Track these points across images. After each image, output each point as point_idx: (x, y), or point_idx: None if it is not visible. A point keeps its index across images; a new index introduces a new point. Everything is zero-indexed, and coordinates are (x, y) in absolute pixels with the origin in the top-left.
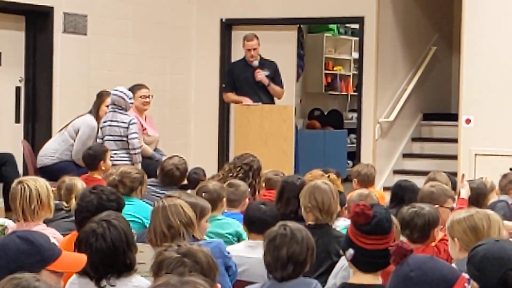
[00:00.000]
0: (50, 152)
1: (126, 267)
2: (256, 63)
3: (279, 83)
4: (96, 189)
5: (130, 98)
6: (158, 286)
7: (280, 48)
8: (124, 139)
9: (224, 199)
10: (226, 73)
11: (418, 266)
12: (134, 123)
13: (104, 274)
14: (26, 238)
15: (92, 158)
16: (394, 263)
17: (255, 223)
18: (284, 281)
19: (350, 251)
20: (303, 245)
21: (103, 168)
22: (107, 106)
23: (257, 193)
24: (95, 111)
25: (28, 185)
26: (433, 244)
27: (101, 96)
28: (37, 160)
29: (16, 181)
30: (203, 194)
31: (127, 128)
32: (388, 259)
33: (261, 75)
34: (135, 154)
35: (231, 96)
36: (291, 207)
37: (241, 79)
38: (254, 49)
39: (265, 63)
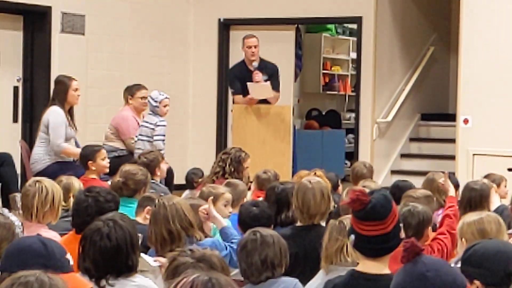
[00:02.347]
0: (38, 156)
1: (127, 268)
2: (255, 64)
3: (275, 86)
4: (90, 191)
5: (155, 102)
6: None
7: (278, 48)
8: (151, 140)
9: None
10: (230, 77)
11: (434, 267)
12: (160, 125)
13: (104, 274)
14: (43, 241)
15: (82, 158)
16: (404, 260)
17: (248, 224)
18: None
19: (352, 237)
20: (275, 248)
21: (93, 168)
22: (75, 90)
23: (243, 179)
24: (63, 99)
25: (45, 187)
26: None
27: (65, 82)
28: (31, 168)
29: (33, 180)
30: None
31: (153, 129)
32: (388, 245)
33: (259, 77)
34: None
35: (240, 99)
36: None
37: (240, 82)
38: (255, 47)
39: (265, 66)
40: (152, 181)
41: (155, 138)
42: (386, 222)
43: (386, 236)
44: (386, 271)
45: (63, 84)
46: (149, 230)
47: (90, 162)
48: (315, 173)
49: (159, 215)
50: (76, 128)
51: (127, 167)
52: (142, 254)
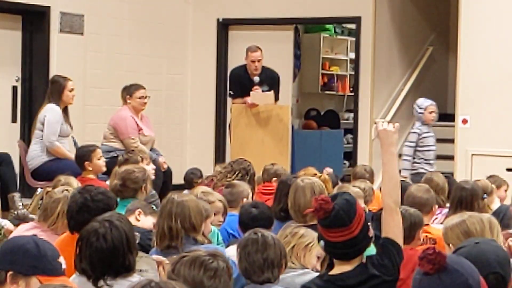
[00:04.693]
0: (35, 154)
1: (125, 269)
2: (257, 79)
3: (275, 95)
4: (86, 190)
5: (420, 108)
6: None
7: (276, 48)
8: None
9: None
10: (231, 80)
11: (460, 265)
12: (411, 131)
13: (101, 274)
14: (37, 242)
15: (78, 159)
16: (432, 271)
17: (248, 225)
18: (265, 283)
19: (321, 243)
20: (276, 249)
21: (89, 168)
22: (70, 90)
23: (253, 197)
24: (58, 98)
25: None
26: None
27: (60, 82)
28: (28, 165)
29: (63, 187)
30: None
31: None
32: (357, 247)
33: (258, 92)
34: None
35: (239, 101)
36: (282, 205)
37: (239, 89)
38: (258, 61)
39: (266, 77)
40: None
41: (405, 143)
42: (352, 227)
43: (354, 240)
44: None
45: (59, 84)
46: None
47: (86, 162)
48: (320, 176)
49: (165, 209)
50: (71, 127)
51: (122, 168)
52: (141, 253)
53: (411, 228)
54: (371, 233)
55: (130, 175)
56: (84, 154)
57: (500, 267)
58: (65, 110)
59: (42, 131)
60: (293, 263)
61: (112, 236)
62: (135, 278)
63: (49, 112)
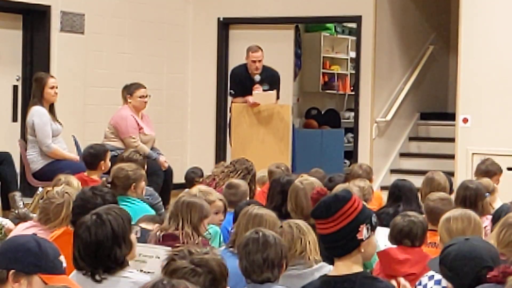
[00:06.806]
0: (32, 158)
1: (113, 263)
2: (257, 77)
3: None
4: (96, 188)
5: None
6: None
7: (277, 47)
8: None
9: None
10: (232, 79)
11: None
12: None
13: (92, 268)
14: (38, 241)
15: (94, 157)
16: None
17: None
18: (265, 282)
19: None
20: (277, 249)
21: (103, 168)
22: (51, 87)
23: (253, 197)
24: (40, 96)
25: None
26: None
27: (41, 80)
28: (30, 169)
29: (62, 188)
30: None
31: None
32: (338, 244)
33: (259, 91)
34: None
35: (239, 100)
36: (274, 203)
37: (240, 88)
38: (259, 61)
39: (266, 76)
40: None
41: None
42: (334, 221)
43: (335, 235)
44: (356, 269)
45: (40, 81)
46: None
47: (102, 162)
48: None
49: (242, 220)
50: (61, 124)
51: (115, 166)
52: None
53: (424, 234)
54: (362, 235)
55: (120, 173)
56: (100, 153)
57: (492, 262)
58: (51, 109)
59: (33, 136)
60: (309, 258)
61: (96, 230)
62: (126, 273)
63: (36, 116)
